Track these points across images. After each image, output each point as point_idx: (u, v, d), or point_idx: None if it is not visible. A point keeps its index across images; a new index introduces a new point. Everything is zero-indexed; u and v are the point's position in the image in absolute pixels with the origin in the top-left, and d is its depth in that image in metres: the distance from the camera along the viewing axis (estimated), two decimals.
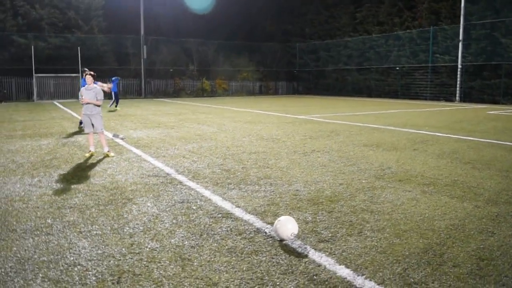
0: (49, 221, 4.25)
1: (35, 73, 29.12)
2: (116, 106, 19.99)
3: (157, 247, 3.56)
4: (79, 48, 30.03)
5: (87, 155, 7.84)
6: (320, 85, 38.67)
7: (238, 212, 4.43)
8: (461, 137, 10.00)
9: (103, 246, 3.59)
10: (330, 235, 3.78)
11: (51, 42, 30.86)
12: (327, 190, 5.26)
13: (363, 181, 5.68)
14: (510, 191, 5.18)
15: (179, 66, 36.73)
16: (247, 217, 4.28)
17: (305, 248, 3.51)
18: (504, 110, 19.60)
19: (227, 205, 4.68)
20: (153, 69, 35.60)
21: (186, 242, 3.66)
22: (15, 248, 3.57)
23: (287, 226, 3.65)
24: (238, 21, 41.62)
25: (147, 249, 3.53)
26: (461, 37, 26.73)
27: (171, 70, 36.10)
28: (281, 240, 3.66)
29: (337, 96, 34.88)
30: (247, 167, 6.64)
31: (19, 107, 23.09)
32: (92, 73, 8.00)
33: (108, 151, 7.86)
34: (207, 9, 36.93)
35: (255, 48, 39.91)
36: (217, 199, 4.91)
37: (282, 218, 3.79)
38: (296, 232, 3.66)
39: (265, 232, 3.86)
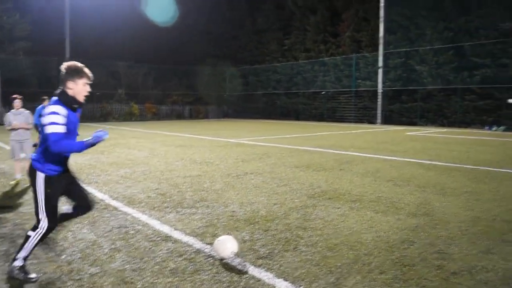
0: None
1: None
2: None
3: (97, 272, 3.55)
4: None
5: (13, 182, 7.50)
6: (250, 109, 39.47)
7: (177, 235, 4.51)
8: (384, 157, 10.73)
9: (41, 275, 3.52)
10: (267, 251, 3.98)
11: None
12: (262, 210, 5.48)
13: (296, 200, 5.97)
14: (427, 204, 5.70)
15: (106, 90, 35.83)
16: (186, 238, 4.37)
17: (245, 265, 3.67)
18: (421, 131, 21.18)
19: (165, 229, 4.73)
20: None
21: (127, 265, 3.69)
22: None
23: (227, 245, 3.80)
24: (168, 44, 41.62)
25: (88, 274, 3.51)
26: (380, 64, 28.70)
27: (98, 93, 35.12)
28: (222, 259, 3.79)
29: (267, 119, 35.75)
30: (183, 190, 6.72)
31: None
32: (20, 97, 7.77)
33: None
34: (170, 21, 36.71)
35: (185, 71, 40.02)
36: (155, 223, 4.94)
37: (221, 237, 3.94)
38: (235, 250, 3.81)
39: (205, 252, 3.98)
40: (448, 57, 25.82)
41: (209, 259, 3.82)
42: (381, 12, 28.61)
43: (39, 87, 32.03)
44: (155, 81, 38.58)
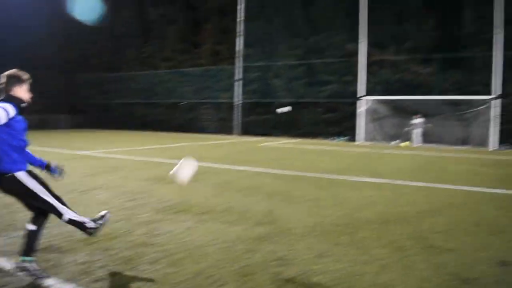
0: None
1: None
2: None
3: None
4: None
5: None
6: (107, 119, 37.43)
7: (2, 262, 3.95)
8: (237, 167, 11.00)
9: None
10: (105, 273, 3.69)
11: None
12: (105, 227, 5.11)
13: (143, 215, 5.72)
14: (273, 212, 5.92)
15: None
16: (11, 265, 3.85)
17: None
18: (274, 142, 22.36)
19: None
20: None
21: None
22: None
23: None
24: (13, 47, 37.48)
25: None
26: (238, 77, 29.70)
27: None
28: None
29: (125, 130, 34.36)
30: (14, 211, 5.96)
31: None
32: None
33: None
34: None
35: (32, 77, 36.48)
36: None
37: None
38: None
39: (32, 280, 3.53)
40: (300, 72, 27.83)
41: None
42: (239, 27, 29.70)
43: None
44: None
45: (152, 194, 7.15)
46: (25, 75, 3.86)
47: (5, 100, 3.55)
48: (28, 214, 5.56)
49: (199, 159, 12.51)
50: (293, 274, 3.71)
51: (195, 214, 5.78)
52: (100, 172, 9.80)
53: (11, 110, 3.41)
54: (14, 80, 3.72)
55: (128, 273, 3.70)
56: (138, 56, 36.08)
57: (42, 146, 17.39)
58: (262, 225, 5.26)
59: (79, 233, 4.85)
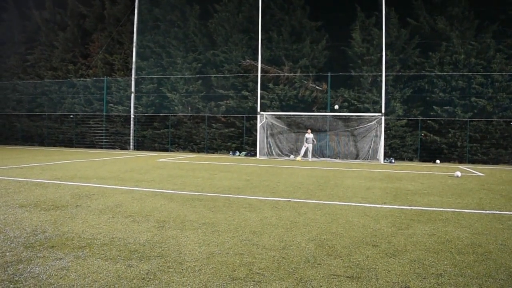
0: None
1: None
2: None
3: None
4: None
5: None
6: None
7: None
8: (128, 187, 10.18)
9: None
10: None
11: None
12: None
13: (8, 253, 4.80)
14: (163, 242, 5.34)
15: None
16: None
17: None
18: (171, 157, 21.56)
19: None
20: None
21: None
22: None
23: None
24: None
25: None
26: (133, 89, 28.40)
27: None
28: None
29: (4, 144, 31.04)
30: None
31: None
32: None
33: None
34: None
35: None
36: None
37: None
38: None
39: None
40: (197, 86, 27.41)
41: None
42: (134, 37, 28.54)
43: None
44: None
45: (23, 225, 6.15)
46: None
47: None
48: None
49: (85, 179, 11.47)
50: None
51: (72, 249, 4.99)
52: None
53: None
54: None
55: None
56: (21, 64, 32.98)
57: None
58: (149, 259, 4.67)
59: None
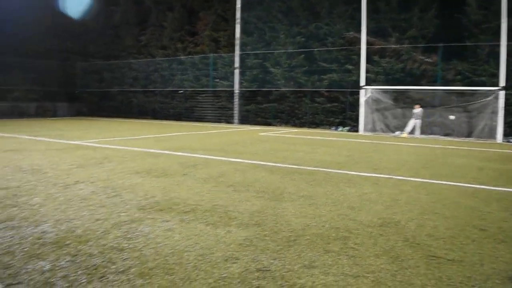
0: None
1: None
2: None
3: None
4: None
5: None
6: (105, 107, 37.07)
7: None
8: (232, 159, 10.58)
9: None
10: (66, 285, 3.30)
11: None
12: (80, 228, 4.73)
13: (123, 214, 5.33)
14: (261, 212, 5.51)
15: None
16: None
17: None
18: (273, 132, 21.91)
19: None
20: None
21: None
22: None
23: None
24: (8, 35, 36.99)
25: None
26: (237, 65, 29.15)
27: None
28: None
29: (123, 118, 33.94)
30: None
31: None
32: None
33: None
34: None
35: (29, 65, 35.98)
36: None
37: None
38: None
39: None
40: (300, 61, 27.26)
41: None
42: (238, 14, 29.09)
43: None
44: None
45: (137, 189, 6.75)
46: None
47: None
48: (5, 212, 5.17)
49: (192, 150, 12.15)
50: None
51: (178, 213, 5.38)
52: (89, 164, 9.40)
53: None
54: None
55: (91, 285, 3.31)
56: (135, 44, 35.53)
57: (36, 135, 17.03)
58: (247, 227, 4.86)
59: (51, 234, 4.49)
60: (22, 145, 13.35)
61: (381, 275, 3.60)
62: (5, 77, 34.62)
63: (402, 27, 24.40)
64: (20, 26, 35.73)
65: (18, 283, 3.33)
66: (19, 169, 8.72)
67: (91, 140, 14.89)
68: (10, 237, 4.44)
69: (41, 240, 4.33)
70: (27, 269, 3.61)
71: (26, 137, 16.28)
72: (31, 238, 4.41)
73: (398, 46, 24.19)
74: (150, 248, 4.10)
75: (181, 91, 32.15)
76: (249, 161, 10.29)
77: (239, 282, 3.40)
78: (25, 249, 4.08)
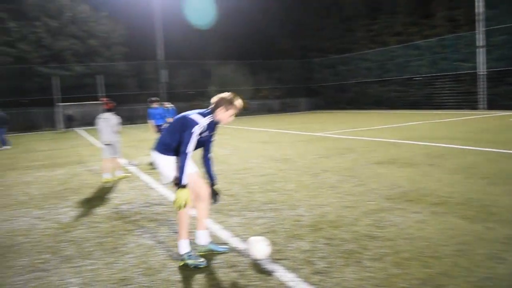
0: (46, 256, 4.20)
1: (59, 102, 29.90)
2: None
3: (145, 283, 3.44)
4: (98, 76, 30.64)
5: (104, 180, 8.16)
6: (341, 99, 38.39)
7: (235, 242, 4.27)
8: (481, 148, 9.58)
9: (93, 283, 3.51)
10: (325, 265, 3.57)
11: (74, 70, 31.71)
12: (331, 214, 5.04)
13: (371, 203, 5.43)
14: None
15: (199, 88, 37.12)
16: (242, 247, 4.11)
17: (297, 282, 3.31)
18: None
19: (224, 234, 4.53)
20: (173, 92, 36.04)
21: (174, 276, 3.53)
22: (7, 287, 3.53)
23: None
24: (254, 40, 42.00)
25: (135, 285, 3.41)
26: (480, 43, 26.12)
27: (191, 92, 36.49)
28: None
29: (359, 109, 34.48)
30: (253, 191, 6.48)
31: (44, 136, 23.68)
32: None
33: (121, 174, 8.41)
34: (207, 25, 36.96)
35: (273, 65, 40.06)
36: (216, 228, 4.76)
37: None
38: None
39: (259, 266, 3.67)
40: None
41: (261, 274, 3.50)
42: None
43: (138, 90, 34.16)
44: (244, 77, 39.11)
45: (381, 179, 6.79)
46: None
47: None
48: (266, 195, 5.93)
49: (435, 139, 11.48)
50: None
51: (427, 205, 5.18)
52: (332, 154, 9.91)
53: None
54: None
55: (348, 268, 3.49)
56: (367, 35, 35.60)
57: (283, 128, 18.84)
58: (510, 224, 4.33)
59: (307, 218, 4.93)
60: (272, 137, 14.98)
61: None
62: (255, 78, 39.35)
63: None
64: (263, 31, 40.03)
65: (283, 259, 3.76)
66: (272, 158, 9.82)
67: (332, 132, 15.63)
68: (273, 218, 5.05)
69: (298, 222, 4.79)
70: (290, 247, 4.04)
71: (274, 130, 18.18)
72: (289, 220, 4.92)
73: None
74: (403, 239, 4.07)
75: (418, 78, 30.66)
76: (503, 151, 9.10)
77: (507, 284, 3.07)
78: (286, 229, 4.57)
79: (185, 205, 3.63)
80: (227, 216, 5.23)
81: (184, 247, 3.82)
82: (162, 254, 4.06)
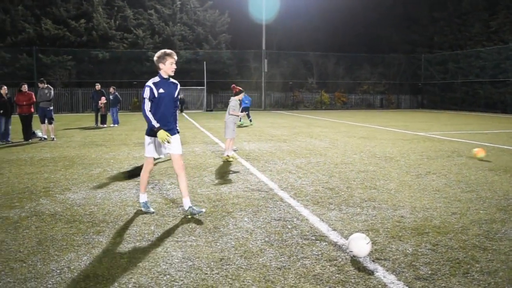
0: (152, 228, 4.51)
1: None
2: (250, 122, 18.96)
3: (244, 265, 3.54)
4: (204, 62, 31.94)
5: (224, 159, 8.87)
6: (447, 99, 36.00)
7: (333, 236, 4.23)
8: None
9: (194, 258, 3.68)
10: (430, 272, 3.40)
11: (182, 56, 33.44)
12: (436, 219, 4.78)
13: (481, 211, 5.06)
14: None
15: (298, 79, 37.17)
16: (342, 242, 4.06)
17: (399, 285, 3.19)
18: None
19: (323, 227, 4.50)
20: (273, 82, 36.51)
21: (274, 263, 3.59)
22: (116, 251, 3.84)
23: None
24: (359, 32, 40.88)
25: (234, 266, 3.52)
26: None
27: (291, 83, 36.64)
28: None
29: (466, 111, 32.15)
30: (352, 187, 6.37)
31: None
32: None
33: (228, 156, 8.86)
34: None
35: (377, 59, 38.72)
36: (315, 220, 4.76)
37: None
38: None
39: (358, 263, 3.61)
40: None
41: (360, 272, 3.44)
42: None
43: (240, 77, 35.13)
44: (346, 70, 38.35)
45: (493, 187, 6.29)
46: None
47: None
48: (366, 192, 5.81)
49: None
50: None
51: None
52: (437, 156, 9.39)
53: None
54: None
55: (454, 278, 3.29)
56: (484, 31, 32.82)
57: (384, 125, 18.22)
58: None
59: (410, 220, 4.74)
60: (372, 133, 14.55)
61: None
62: (356, 72, 38.40)
63: None
64: (368, 22, 38.76)
65: (384, 259, 3.65)
66: (373, 155, 9.55)
67: (437, 132, 14.80)
68: (373, 216, 4.91)
69: (400, 224, 4.62)
70: (391, 248, 3.91)
71: (375, 126, 17.64)
72: (391, 219, 4.76)
73: None
74: None
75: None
76: None
77: None
78: (388, 229, 4.43)
79: (168, 140, 4.67)
80: (325, 208, 5.21)
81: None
82: (261, 240, 4.14)
